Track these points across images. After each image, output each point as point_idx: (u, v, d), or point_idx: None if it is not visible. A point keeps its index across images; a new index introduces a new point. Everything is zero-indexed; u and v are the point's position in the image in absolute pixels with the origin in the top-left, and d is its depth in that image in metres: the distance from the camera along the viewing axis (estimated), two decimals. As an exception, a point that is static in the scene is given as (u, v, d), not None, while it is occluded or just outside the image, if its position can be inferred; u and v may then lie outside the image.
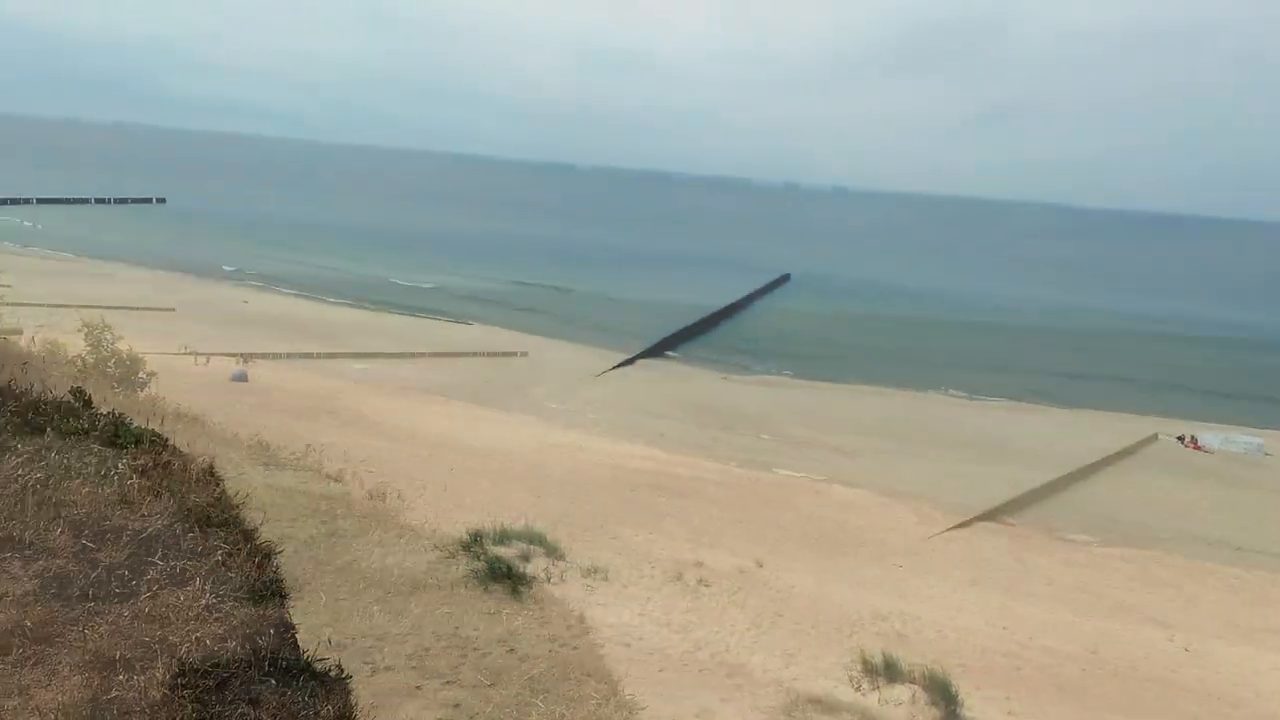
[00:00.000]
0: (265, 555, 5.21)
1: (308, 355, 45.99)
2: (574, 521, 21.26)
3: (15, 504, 5.34)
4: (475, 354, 51.26)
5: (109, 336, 18.27)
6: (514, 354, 52.12)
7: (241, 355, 41.40)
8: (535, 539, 17.68)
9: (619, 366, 51.65)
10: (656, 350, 56.62)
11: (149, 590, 4.75)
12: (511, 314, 67.94)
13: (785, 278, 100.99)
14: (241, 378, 35.93)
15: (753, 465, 32.65)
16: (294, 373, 40.65)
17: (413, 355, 49.14)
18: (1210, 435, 43.26)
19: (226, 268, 77.27)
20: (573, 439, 33.32)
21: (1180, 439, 42.84)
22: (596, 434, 35.32)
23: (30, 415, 6.73)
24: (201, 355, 39.70)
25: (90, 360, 17.77)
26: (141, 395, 18.26)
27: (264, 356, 43.23)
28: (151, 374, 19.47)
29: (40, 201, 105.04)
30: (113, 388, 17.13)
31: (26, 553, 5.04)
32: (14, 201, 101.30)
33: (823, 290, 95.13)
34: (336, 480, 21.60)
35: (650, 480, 28.11)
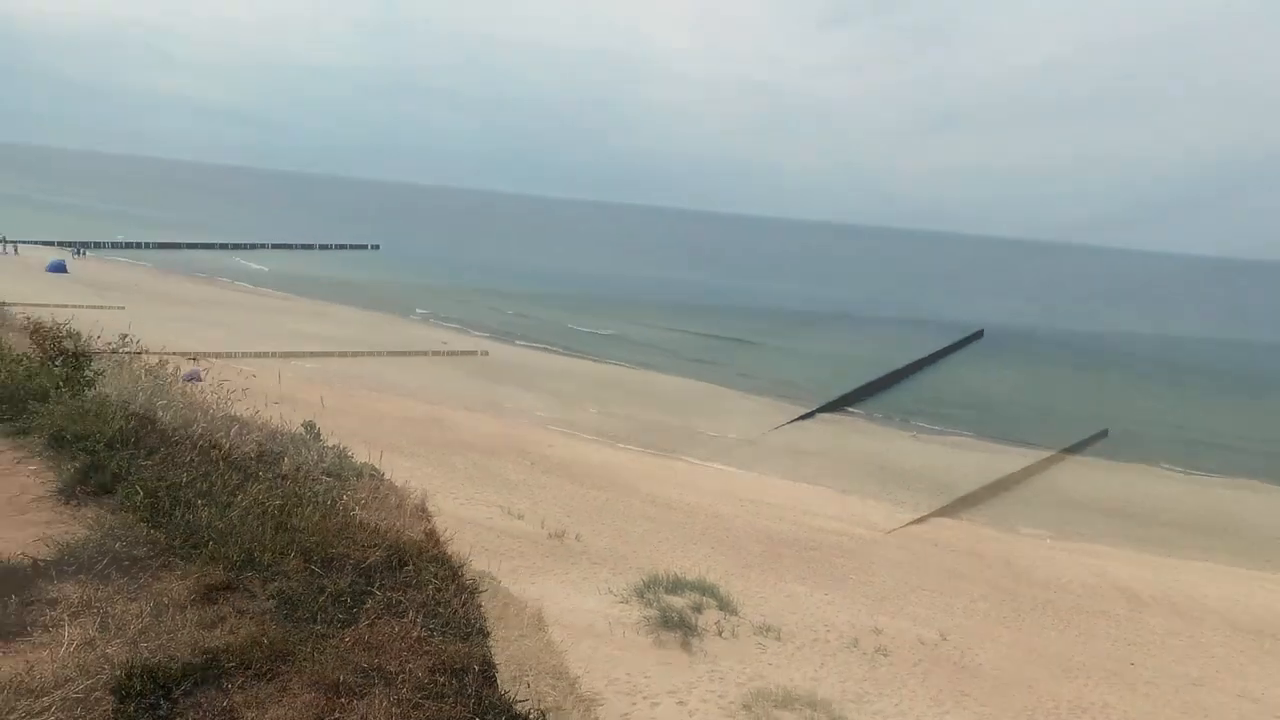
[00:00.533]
0: (470, 592, 5.48)
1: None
2: (749, 575, 20.98)
3: (258, 527, 5.91)
4: (648, 401, 52.06)
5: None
6: (690, 403, 52.52)
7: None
8: (708, 590, 17.57)
9: (799, 420, 50.92)
10: (837, 405, 55.42)
11: (367, 619, 5.10)
12: (686, 363, 68.70)
13: (979, 334, 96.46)
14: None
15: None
16: (477, 417, 42.74)
17: (593, 401, 50.53)
18: None
19: (420, 310, 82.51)
20: (748, 490, 33.05)
21: None
22: (773, 487, 34.87)
23: (269, 445, 7.46)
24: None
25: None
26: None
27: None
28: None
29: (274, 246, 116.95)
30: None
31: (265, 574, 5.56)
32: (251, 246, 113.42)
33: (1021, 347, 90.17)
34: (519, 518, 22.44)
35: (832, 540, 27.37)
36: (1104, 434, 54.08)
